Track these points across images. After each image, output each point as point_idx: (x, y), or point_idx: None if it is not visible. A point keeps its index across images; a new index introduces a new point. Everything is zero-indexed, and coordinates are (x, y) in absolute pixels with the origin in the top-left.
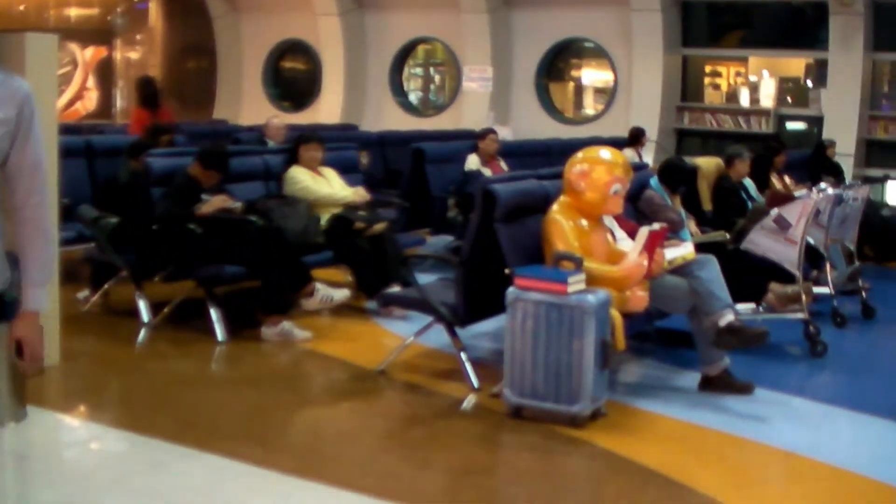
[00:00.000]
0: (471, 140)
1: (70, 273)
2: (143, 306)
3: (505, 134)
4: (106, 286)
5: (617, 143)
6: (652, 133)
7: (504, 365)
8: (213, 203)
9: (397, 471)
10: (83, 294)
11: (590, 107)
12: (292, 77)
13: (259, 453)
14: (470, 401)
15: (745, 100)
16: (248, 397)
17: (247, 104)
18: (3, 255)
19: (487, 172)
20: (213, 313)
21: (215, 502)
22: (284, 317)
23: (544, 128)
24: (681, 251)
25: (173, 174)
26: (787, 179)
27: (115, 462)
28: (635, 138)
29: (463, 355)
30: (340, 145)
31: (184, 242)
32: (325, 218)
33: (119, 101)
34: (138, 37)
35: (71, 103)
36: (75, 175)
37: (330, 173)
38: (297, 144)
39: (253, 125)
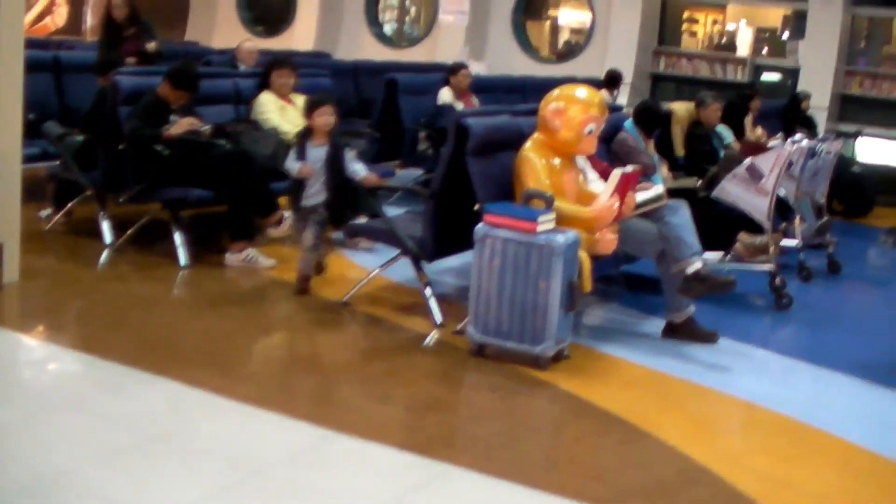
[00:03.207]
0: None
1: (33, 191)
2: (106, 227)
3: (479, 69)
4: (70, 205)
5: (592, 84)
6: (627, 76)
7: (469, 302)
8: (181, 124)
9: (356, 404)
10: (46, 212)
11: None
12: (267, 1)
13: (218, 380)
14: (433, 337)
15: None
16: (209, 323)
17: (220, 27)
18: None
19: (460, 106)
20: (177, 237)
21: (171, 428)
22: (249, 243)
23: (519, 65)
24: (651, 193)
25: (142, 93)
26: (759, 131)
27: (71, 383)
28: (613, 81)
29: (428, 290)
30: (312, 72)
31: (150, 163)
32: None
33: (89, 18)
34: None
35: (40, 18)
36: (42, 91)
37: (301, 100)
38: (269, 69)
39: (225, 48)
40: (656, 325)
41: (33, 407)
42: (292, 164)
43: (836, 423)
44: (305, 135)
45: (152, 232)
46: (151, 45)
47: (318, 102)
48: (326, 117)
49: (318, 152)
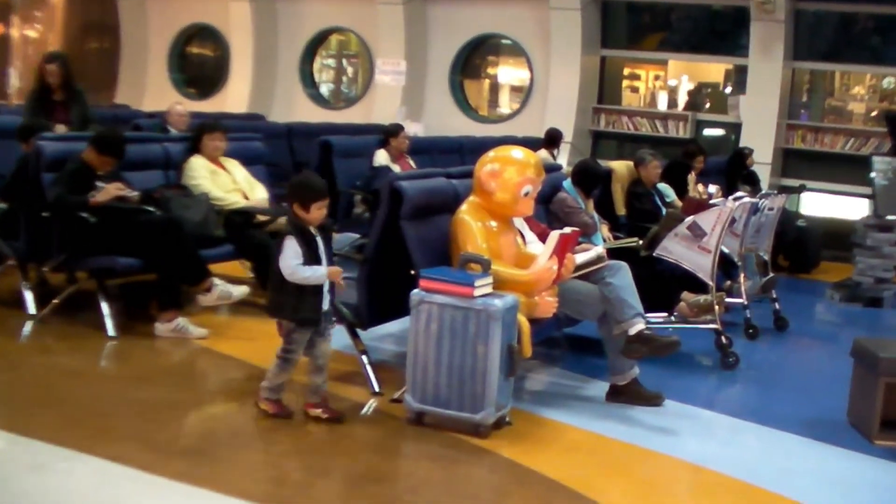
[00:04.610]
0: (380, 135)
1: None
2: (29, 297)
3: (416, 130)
4: None
5: (532, 144)
6: (567, 134)
7: (406, 369)
8: (107, 191)
9: (293, 478)
10: None
11: (505, 105)
12: (199, 63)
13: (147, 456)
14: (370, 405)
15: (662, 104)
16: (139, 397)
17: (150, 89)
18: None
19: (396, 169)
20: (105, 307)
21: None
22: (180, 312)
23: (457, 125)
24: (591, 254)
25: (66, 159)
26: (700, 188)
27: None
28: (552, 140)
29: (364, 358)
30: (245, 135)
31: (76, 231)
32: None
33: (15, 81)
34: (38, 13)
35: None
36: None
37: (233, 165)
38: (199, 133)
39: (155, 111)
40: (600, 388)
41: None
42: (311, 270)
43: (784, 483)
44: (299, 224)
45: (78, 302)
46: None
47: (318, 194)
48: (324, 210)
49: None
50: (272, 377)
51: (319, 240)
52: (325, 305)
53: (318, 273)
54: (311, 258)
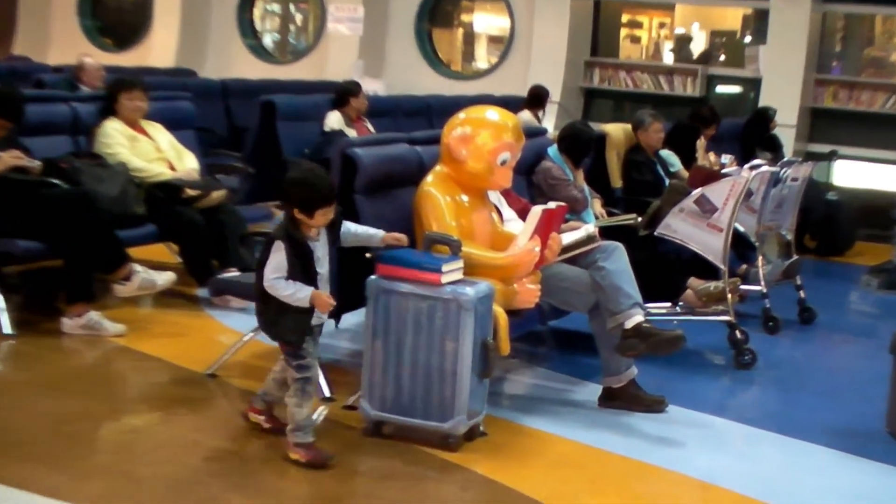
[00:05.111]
0: (332, 94)
1: None
2: None
3: (376, 88)
4: None
5: (512, 104)
6: (555, 93)
7: (362, 371)
8: (2, 160)
9: (227, 501)
10: None
11: (482, 59)
12: (116, 7)
13: (55, 479)
14: (320, 413)
15: (668, 56)
16: (45, 407)
17: (56, 39)
18: None
19: (352, 134)
20: (0, 299)
21: None
22: (92, 305)
23: (425, 82)
24: (581, 233)
25: None
26: (711, 156)
27: None
28: (537, 99)
29: None
30: (172, 94)
31: None
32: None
33: None
34: None
35: None
36: None
37: (156, 129)
38: (115, 91)
39: (62, 65)
40: (591, 391)
41: None
42: (292, 288)
43: (810, 503)
44: (292, 232)
45: None
46: None
47: (326, 198)
48: (331, 214)
49: (320, 249)
50: (297, 412)
51: (319, 246)
52: (323, 318)
53: (300, 294)
54: (302, 272)
